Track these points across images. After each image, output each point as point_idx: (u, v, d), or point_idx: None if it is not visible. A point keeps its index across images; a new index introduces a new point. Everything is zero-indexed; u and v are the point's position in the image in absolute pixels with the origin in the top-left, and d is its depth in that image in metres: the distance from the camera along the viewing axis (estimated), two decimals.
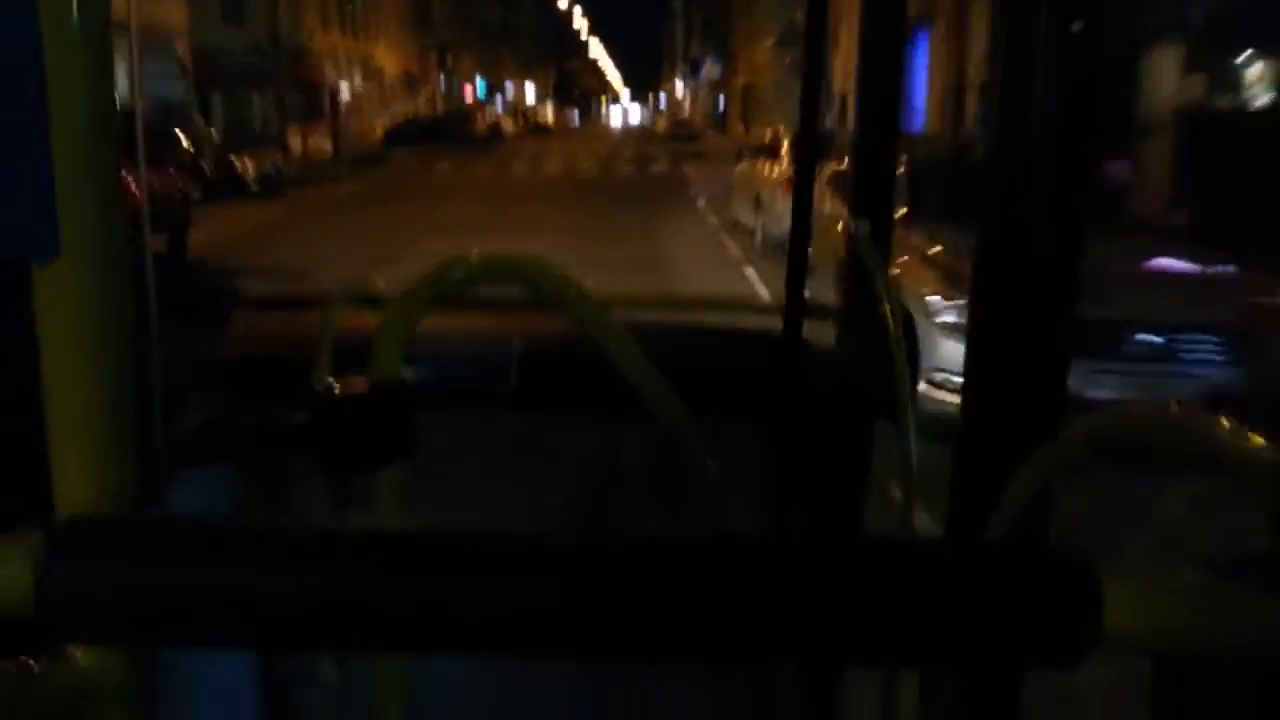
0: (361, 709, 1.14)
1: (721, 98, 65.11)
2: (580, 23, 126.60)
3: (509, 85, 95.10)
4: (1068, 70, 0.72)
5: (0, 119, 0.60)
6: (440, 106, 64.50)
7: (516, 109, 66.16)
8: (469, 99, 73.72)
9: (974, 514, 0.76)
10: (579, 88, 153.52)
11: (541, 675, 1.48)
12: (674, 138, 48.77)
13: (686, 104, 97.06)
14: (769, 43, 42.34)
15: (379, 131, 43.45)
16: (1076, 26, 0.70)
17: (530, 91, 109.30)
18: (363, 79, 49.79)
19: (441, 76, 67.84)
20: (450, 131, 42.17)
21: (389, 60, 53.72)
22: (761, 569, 0.51)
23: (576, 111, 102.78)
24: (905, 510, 1.23)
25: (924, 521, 1.27)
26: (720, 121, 64.18)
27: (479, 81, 79.50)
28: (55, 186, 0.60)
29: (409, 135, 41.32)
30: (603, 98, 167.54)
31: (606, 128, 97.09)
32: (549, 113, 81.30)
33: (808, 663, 1.15)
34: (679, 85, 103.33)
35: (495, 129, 47.88)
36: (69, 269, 0.62)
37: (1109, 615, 0.49)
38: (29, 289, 0.63)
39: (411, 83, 56.64)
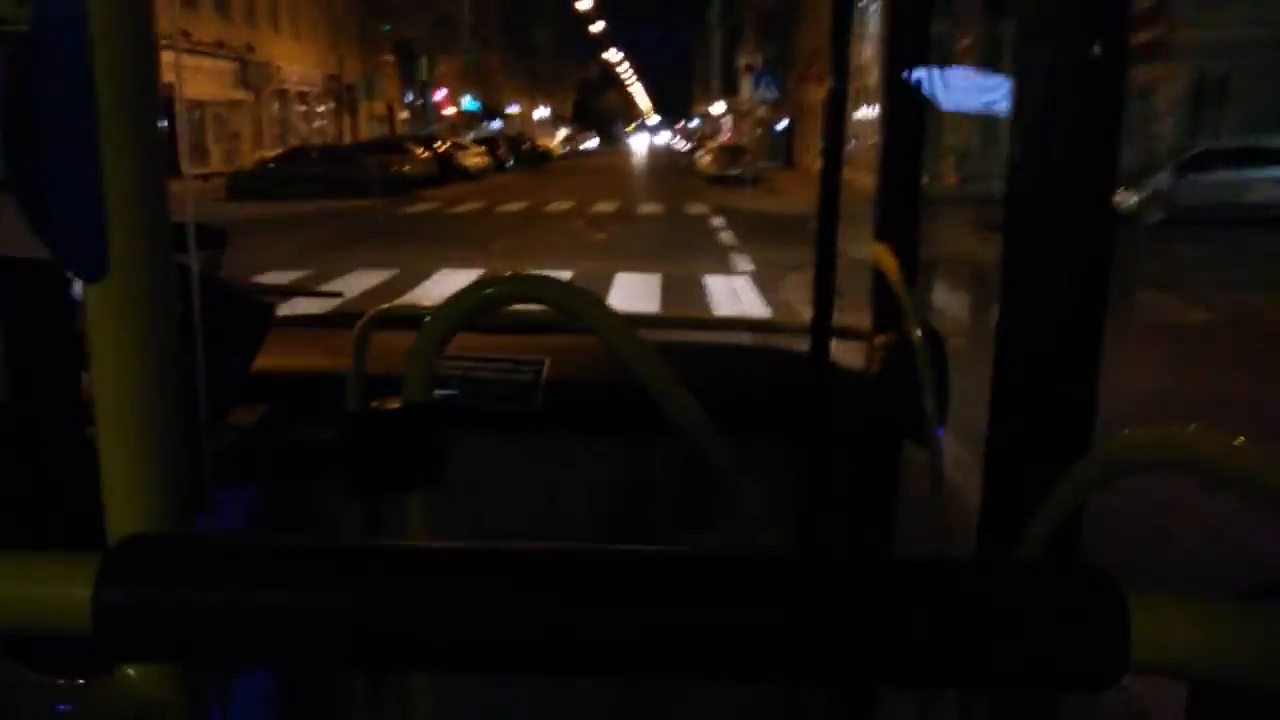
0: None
1: (784, 121, 47.47)
2: (611, 52, 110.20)
3: (514, 105, 78.12)
4: (1091, 91, 0.72)
5: (50, 137, 0.62)
6: (400, 128, 47.46)
7: (500, 136, 48.51)
8: (444, 118, 56.56)
9: (1004, 534, 0.78)
10: (601, 109, 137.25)
11: (568, 688, 1.54)
12: (722, 179, 30.87)
13: (728, 128, 79.78)
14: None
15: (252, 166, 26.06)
16: (1097, 50, 0.71)
17: (542, 113, 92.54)
18: (248, 86, 32.39)
19: (412, 91, 50.86)
20: (344, 176, 24.55)
21: (297, 59, 36.33)
22: (789, 586, 0.51)
23: (595, 137, 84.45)
24: (935, 531, 1.26)
25: (954, 543, 1.26)
26: (783, 150, 46.65)
27: (466, 99, 62.36)
28: (104, 205, 0.62)
29: (266, 183, 23.85)
30: (630, 125, 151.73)
31: (625, 152, 79.25)
32: (555, 139, 63.43)
33: (833, 682, 1.09)
34: (716, 107, 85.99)
35: (442, 164, 30.07)
36: (117, 286, 0.63)
37: (1137, 639, 0.48)
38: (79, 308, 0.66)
39: (345, 94, 39.32)
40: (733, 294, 10.92)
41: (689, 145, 60.41)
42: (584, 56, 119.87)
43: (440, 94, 53.35)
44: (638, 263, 12.50)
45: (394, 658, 0.54)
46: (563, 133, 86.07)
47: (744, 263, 13.43)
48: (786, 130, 48.01)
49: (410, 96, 51.91)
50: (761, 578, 0.51)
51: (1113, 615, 0.48)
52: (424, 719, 1.11)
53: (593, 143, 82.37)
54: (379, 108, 46.35)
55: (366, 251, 13.62)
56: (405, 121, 50.62)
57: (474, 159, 34.89)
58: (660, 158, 67.92)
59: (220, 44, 29.93)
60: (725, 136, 69.10)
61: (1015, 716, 0.81)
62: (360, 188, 23.87)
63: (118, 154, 0.62)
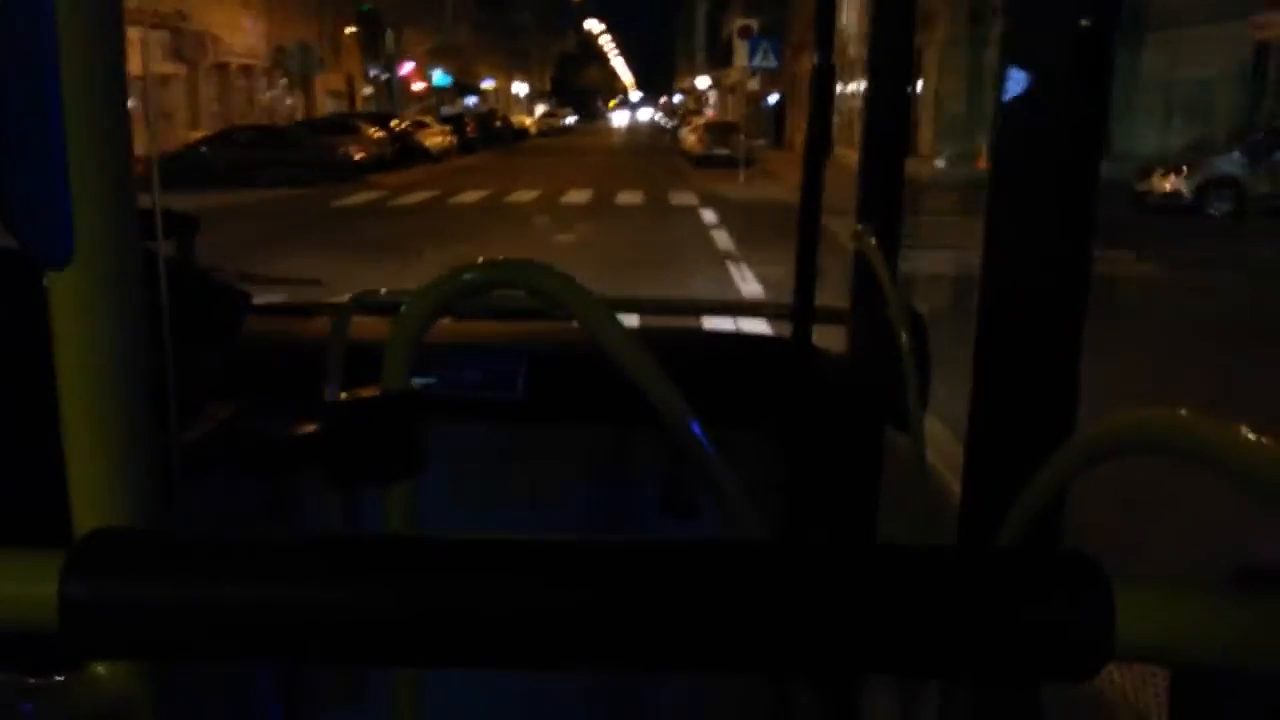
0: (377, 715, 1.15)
1: (774, 97, 44.24)
2: (592, 23, 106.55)
3: (489, 81, 74.66)
4: (1077, 69, 0.72)
5: (14, 123, 0.60)
6: (362, 105, 44.14)
7: (469, 114, 45.37)
8: (413, 94, 53.31)
9: (985, 520, 0.78)
10: (581, 85, 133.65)
11: (553, 682, 1.52)
12: (709, 159, 27.78)
13: (711, 102, 76.59)
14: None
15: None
16: (1085, 23, 0.71)
17: (520, 89, 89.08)
18: (182, 59, 29.07)
19: (375, 68, 47.46)
20: (281, 159, 21.46)
21: (240, 29, 32.98)
22: (771, 574, 0.51)
23: (573, 114, 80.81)
24: (917, 517, 1.26)
25: (936, 528, 1.28)
26: (772, 128, 43.50)
27: (438, 74, 58.93)
28: (69, 191, 0.60)
29: (194, 169, 20.60)
30: (612, 101, 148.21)
31: (605, 130, 75.66)
32: (530, 115, 59.89)
33: (814, 671, 1.11)
34: (701, 80, 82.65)
35: (400, 145, 26.89)
36: (82, 274, 0.62)
37: (1121, 626, 0.48)
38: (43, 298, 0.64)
39: (302, 62, 35.94)
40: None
41: (672, 122, 57.18)
42: (563, 28, 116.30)
43: (406, 68, 49.92)
44: (610, 278, 9.57)
45: (366, 652, 0.54)
46: (540, 109, 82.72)
47: (749, 279, 10.43)
48: (777, 106, 44.89)
49: (375, 72, 48.52)
50: (742, 567, 0.51)
51: (1097, 600, 0.48)
52: (406, 715, 1.10)
53: (571, 119, 78.71)
54: (334, 81, 42.93)
55: (285, 257, 10.63)
56: (369, 98, 47.24)
57: (436, 139, 31.69)
58: (642, 135, 64.69)
59: (148, 11, 26.60)
60: (710, 113, 66.00)
61: (999, 705, 0.80)
62: (302, 173, 20.73)
63: (83, 138, 0.60)
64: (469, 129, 38.19)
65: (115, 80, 0.61)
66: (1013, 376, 0.78)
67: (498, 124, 47.46)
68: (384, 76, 48.85)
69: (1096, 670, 0.48)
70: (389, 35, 46.73)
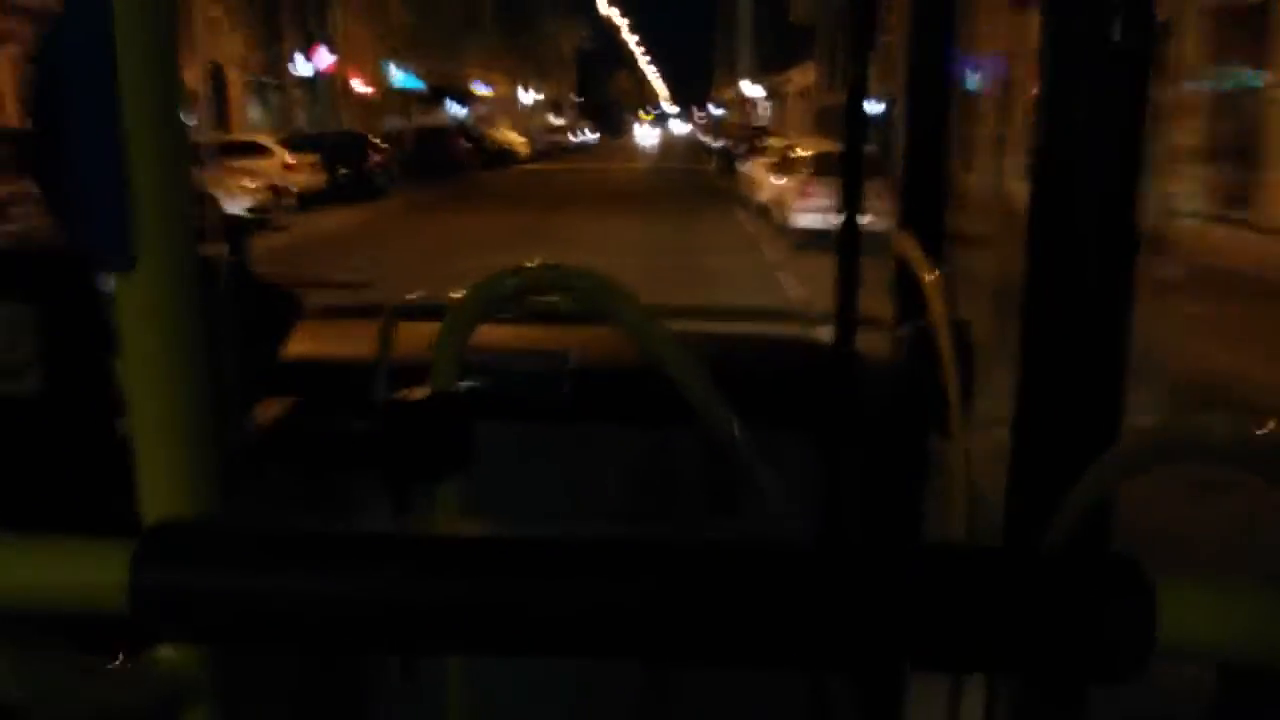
0: (427, 710, 1.19)
1: (879, 104, 28.15)
2: (611, 12, 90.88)
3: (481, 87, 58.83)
4: (1116, 77, 0.73)
5: (75, 127, 0.63)
6: (241, 112, 28.43)
7: (406, 131, 29.35)
8: (358, 98, 37.54)
9: (1030, 525, 0.78)
10: (608, 95, 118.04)
11: (597, 674, 1.58)
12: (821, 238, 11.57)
13: (765, 115, 60.41)
14: None
15: None
16: (1117, 34, 0.72)
17: (530, 98, 73.40)
18: None
19: (296, 60, 31.74)
20: None
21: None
22: (818, 571, 0.52)
23: (588, 132, 63.95)
24: (961, 522, 1.27)
25: (980, 534, 1.30)
26: (879, 145, 27.05)
27: (392, 69, 43.09)
28: (131, 193, 0.63)
29: None
30: (644, 114, 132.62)
31: (626, 152, 58.68)
32: (515, 132, 42.87)
33: (858, 668, 1.10)
34: (751, 88, 66.44)
35: None
36: (146, 277, 0.64)
37: (1165, 625, 0.48)
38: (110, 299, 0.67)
39: None
40: None
41: (719, 141, 40.57)
42: (580, 23, 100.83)
43: (324, 61, 33.91)
44: None
45: (422, 642, 0.57)
46: (556, 122, 66.84)
47: None
48: (884, 119, 28.73)
49: (304, 67, 32.79)
50: (789, 564, 0.52)
51: (1139, 600, 0.48)
52: (455, 708, 1.14)
53: (586, 136, 62.14)
54: (188, 76, 27.08)
55: None
56: (282, 103, 31.32)
57: (254, 184, 15.54)
58: (675, 159, 48.04)
59: None
60: (754, 119, 49.89)
61: (1043, 704, 0.81)
62: None
63: (142, 145, 0.62)
64: (375, 161, 21.99)
65: (171, 87, 0.63)
66: (1058, 378, 0.78)
67: (463, 144, 31.45)
68: (304, 73, 33.14)
69: (1141, 670, 0.48)
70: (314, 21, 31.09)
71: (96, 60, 0.60)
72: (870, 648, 0.51)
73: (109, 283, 0.65)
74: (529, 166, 36.69)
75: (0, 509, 0.67)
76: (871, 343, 1.56)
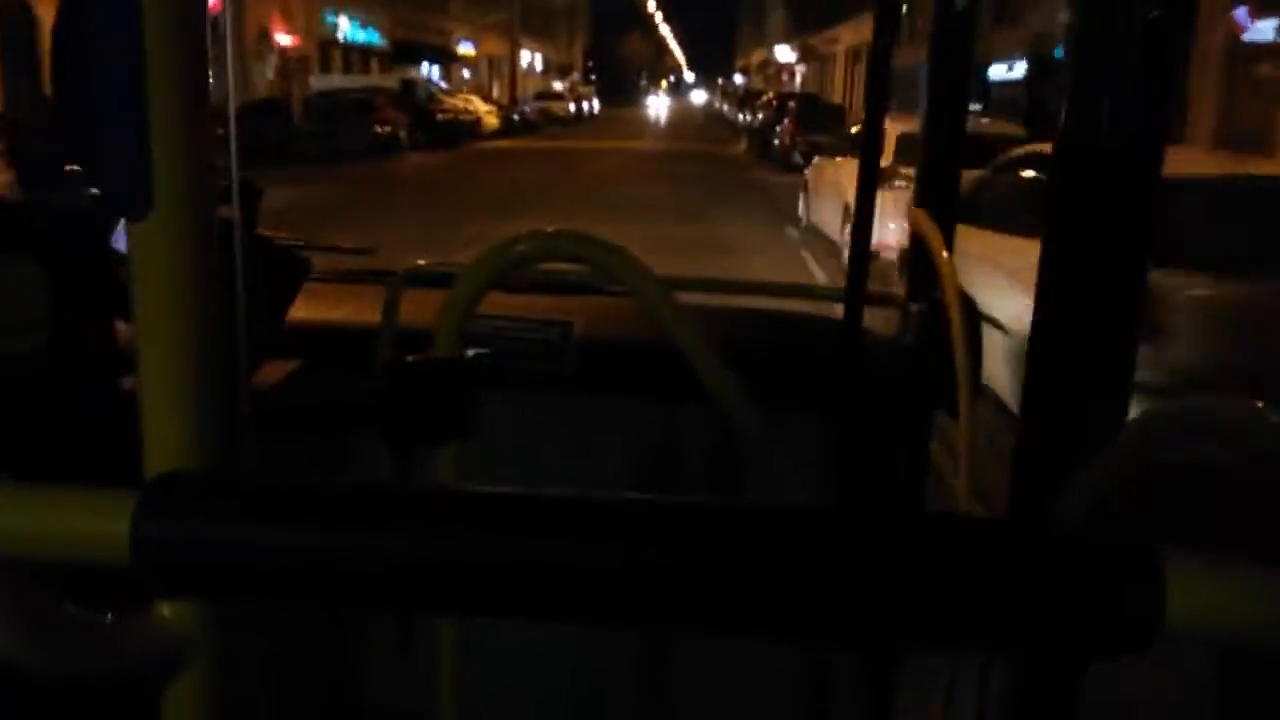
0: (420, 678, 1.19)
1: (1007, 65, 18.81)
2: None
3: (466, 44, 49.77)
4: (1144, 61, 0.73)
5: (97, 76, 0.64)
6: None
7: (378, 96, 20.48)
8: (283, 51, 28.81)
9: (1036, 506, 0.80)
10: (621, 56, 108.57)
11: (594, 648, 1.58)
12: None
13: (798, 74, 51.18)
14: None
15: None
16: (1154, 13, 0.72)
17: (530, 59, 64.34)
18: None
19: None
20: None
21: None
22: (819, 540, 0.51)
23: (587, 100, 54.23)
24: (964, 500, 1.26)
25: (981, 513, 1.26)
26: (1020, 113, 17.94)
27: (342, 21, 34.13)
28: (150, 148, 0.63)
29: None
30: (662, 81, 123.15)
31: (638, 121, 48.68)
32: (485, 105, 33.10)
33: (859, 641, 1.14)
34: (784, 52, 56.94)
35: None
36: (160, 226, 0.65)
37: (1172, 604, 0.47)
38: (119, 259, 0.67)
39: None
40: None
41: (751, 115, 31.06)
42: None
43: None
44: None
45: (424, 600, 0.56)
46: (557, 86, 57.60)
47: None
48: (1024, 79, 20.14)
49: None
50: (789, 531, 0.51)
51: (1146, 577, 0.48)
52: (451, 673, 1.14)
53: (587, 105, 52.44)
54: None
55: None
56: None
57: None
58: (690, 136, 38.69)
59: None
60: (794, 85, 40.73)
61: (1038, 685, 0.82)
62: None
63: (163, 92, 0.63)
64: None
65: (195, 44, 0.64)
66: (1066, 360, 0.79)
67: (392, 114, 22.58)
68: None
69: (1145, 648, 0.48)
70: None
71: (122, 17, 0.61)
72: (872, 621, 0.50)
73: (121, 242, 0.66)
74: (493, 144, 27.61)
75: (4, 462, 0.64)
76: (882, 320, 1.56)
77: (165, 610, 0.66)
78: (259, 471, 0.57)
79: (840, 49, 39.94)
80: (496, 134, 29.81)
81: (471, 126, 27.91)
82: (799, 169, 15.20)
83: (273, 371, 1.26)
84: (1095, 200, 0.75)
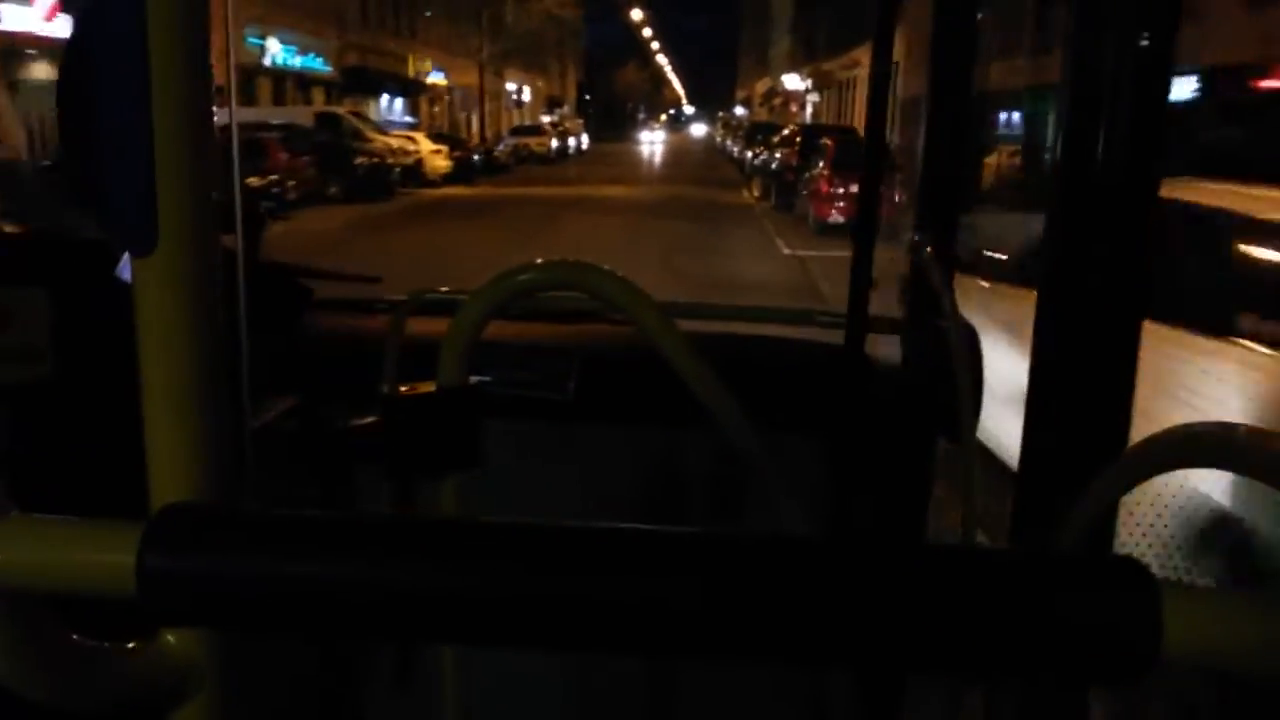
0: (421, 703, 1.19)
1: None
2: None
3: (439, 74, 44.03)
4: (1138, 83, 0.74)
5: (103, 112, 0.65)
6: None
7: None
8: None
9: (1036, 531, 0.80)
10: (616, 88, 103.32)
11: (594, 670, 1.58)
12: None
13: (809, 108, 45.48)
14: None
15: None
16: (1145, 40, 0.73)
17: (520, 92, 58.79)
18: None
19: None
20: None
21: None
22: (821, 569, 0.51)
23: (575, 135, 48.30)
24: (966, 527, 1.25)
25: (983, 540, 1.22)
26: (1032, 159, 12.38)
27: (272, 43, 28.33)
28: (155, 186, 0.64)
29: None
30: (662, 115, 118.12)
31: (630, 158, 42.17)
32: (436, 150, 27.03)
33: (860, 667, 1.09)
34: (793, 80, 51.18)
35: None
36: (165, 262, 0.66)
37: (1169, 630, 0.48)
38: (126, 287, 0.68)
39: None
40: None
41: (766, 154, 24.77)
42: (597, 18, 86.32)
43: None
44: None
45: (428, 631, 0.56)
46: (545, 120, 51.97)
47: None
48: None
49: None
50: (792, 560, 0.51)
51: (1144, 604, 0.48)
52: (452, 696, 1.14)
53: (574, 140, 46.66)
54: None
55: None
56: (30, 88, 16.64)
57: None
58: (688, 179, 32.67)
59: None
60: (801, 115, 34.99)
61: (1045, 709, 0.82)
62: None
63: (169, 138, 0.64)
64: None
65: (200, 83, 0.65)
66: (1067, 385, 0.79)
67: (283, 158, 16.69)
68: (50, 32, 18.48)
69: (1144, 674, 0.48)
70: None
71: (128, 47, 0.62)
72: (873, 646, 0.50)
73: (126, 272, 0.67)
74: (438, 193, 21.62)
75: (14, 491, 0.62)
76: (882, 346, 1.54)
77: (170, 639, 0.67)
78: (263, 503, 0.57)
79: (862, 73, 34.20)
80: (449, 178, 23.88)
81: (411, 171, 21.96)
82: (836, 231, 13.11)
83: (275, 402, 1.26)
84: (1094, 228, 0.75)
